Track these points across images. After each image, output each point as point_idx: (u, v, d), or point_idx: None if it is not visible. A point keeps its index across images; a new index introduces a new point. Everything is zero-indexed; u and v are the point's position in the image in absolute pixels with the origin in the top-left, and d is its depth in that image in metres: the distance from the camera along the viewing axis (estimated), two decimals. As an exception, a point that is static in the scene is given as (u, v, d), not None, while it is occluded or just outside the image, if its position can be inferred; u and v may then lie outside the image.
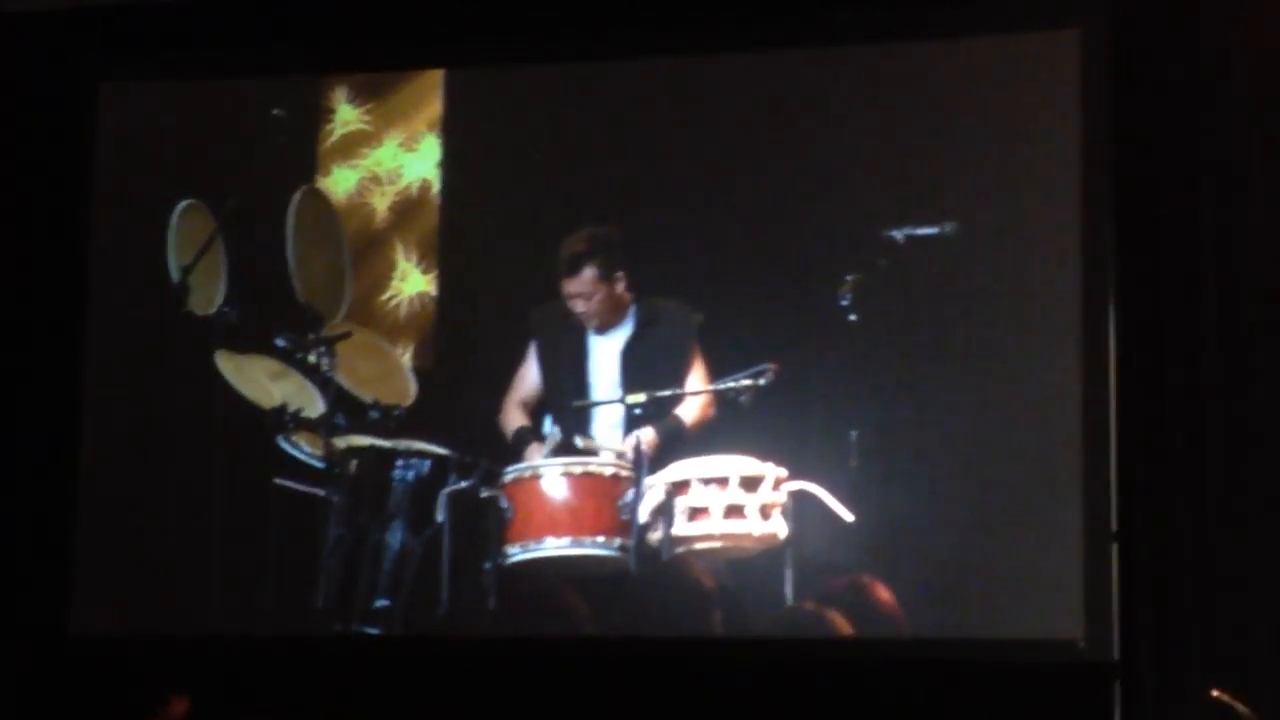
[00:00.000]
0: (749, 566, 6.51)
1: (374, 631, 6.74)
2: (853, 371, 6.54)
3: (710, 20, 6.80)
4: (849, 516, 6.43)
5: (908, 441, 6.46)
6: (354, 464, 6.79)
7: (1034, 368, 6.42)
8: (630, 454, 6.55)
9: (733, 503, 6.49)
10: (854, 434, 6.48)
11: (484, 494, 6.65)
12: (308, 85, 7.11)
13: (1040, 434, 6.37)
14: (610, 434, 6.67)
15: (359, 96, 7.07)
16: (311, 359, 6.90)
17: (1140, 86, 6.44)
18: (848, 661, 6.50)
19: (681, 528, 6.51)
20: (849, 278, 6.54)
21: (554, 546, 6.57)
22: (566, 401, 6.72)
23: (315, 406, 6.88)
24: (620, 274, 6.68)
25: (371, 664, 6.75)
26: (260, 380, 6.94)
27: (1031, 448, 6.37)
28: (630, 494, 6.53)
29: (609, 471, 6.57)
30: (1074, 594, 6.26)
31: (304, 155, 7.07)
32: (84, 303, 7.11)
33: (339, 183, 7.05)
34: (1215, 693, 5.70)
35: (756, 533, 6.48)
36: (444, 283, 6.93)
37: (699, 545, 6.52)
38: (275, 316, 6.96)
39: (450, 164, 6.97)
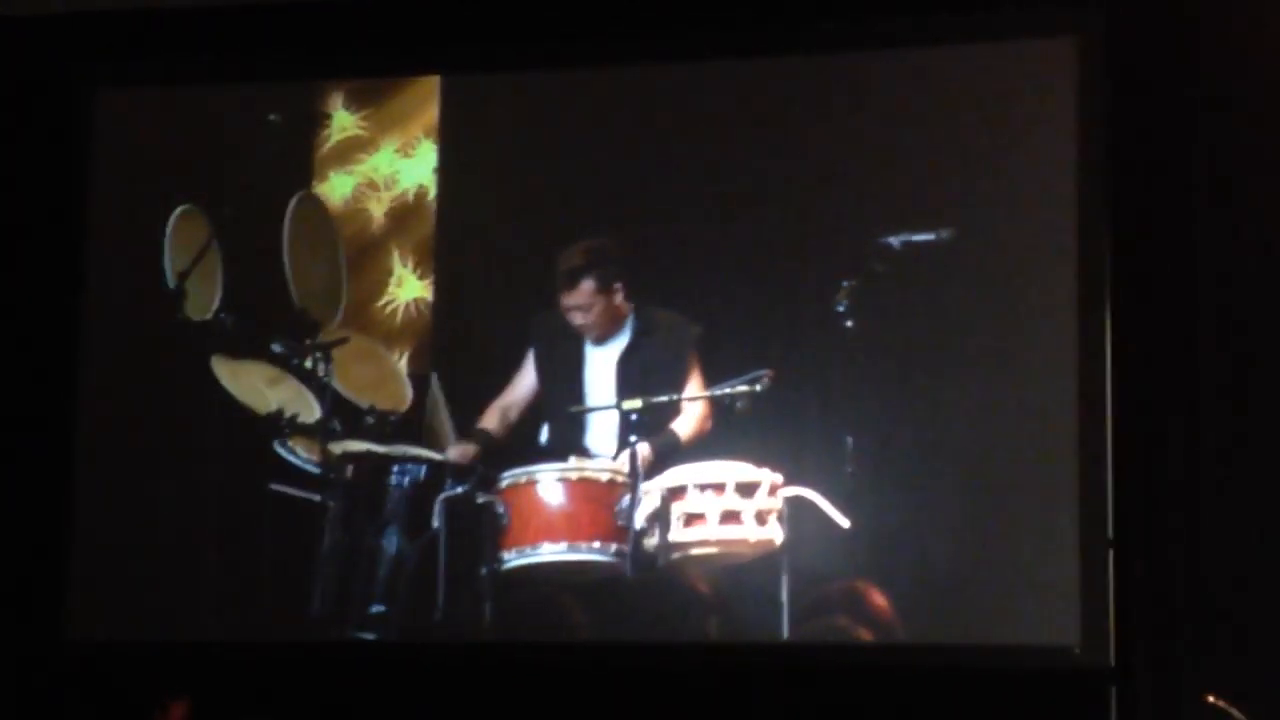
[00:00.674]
0: (745, 572, 6.50)
1: (369, 637, 6.73)
2: (849, 378, 6.53)
3: (707, 28, 6.80)
4: (845, 522, 6.44)
5: (904, 447, 6.46)
6: (350, 469, 6.79)
7: (1030, 374, 6.42)
8: (625, 467, 6.55)
9: (729, 508, 6.49)
10: (850, 440, 6.49)
11: (480, 499, 6.65)
12: (304, 91, 7.10)
13: (1036, 440, 6.37)
14: (606, 441, 6.67)
15: (355, 102, 7.07)
16: (308, 364, 6.89)
17: (1136, 94, 6.44)
18: (843, 668, 6.49)
19: (678, 533, 6.51)
20: (845, 284, 6.54)
21: (550, 552, 6.57)
22: (563, 408, 6.72)
23: (311, 412, 6.87)
24: (618, 285, 6.69)
25: (367, 670, 6.74)
26: (256, 386, 6.94)
27: (1028, 454, 6.37)
28: (626, 500, 6.53)
29: (605, 477, 6.58)
30: (1070, 600, 6.25)
31: (300, 161, 7.06)
32: (80, 308, 7.10)
33: (335, 188, 7.05)
34: (1211, 699, 5.70)
35: (753, 538, 6.48)
36: (440, 288, 6.93)
37: (695, 551, 6.52)
38: (271, 322, 6.95)
39: (447, 170, 6.97)
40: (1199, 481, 6.22)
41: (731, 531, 6.48)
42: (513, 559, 6.59)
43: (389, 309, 6.97)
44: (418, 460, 6.75)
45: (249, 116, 7.06)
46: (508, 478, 6.64)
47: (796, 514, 6.46)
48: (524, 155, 6.91)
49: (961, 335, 6.49)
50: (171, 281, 7.02)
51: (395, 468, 6.75)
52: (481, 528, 6.63)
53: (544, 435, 6.74)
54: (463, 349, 6.90)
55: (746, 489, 6.49)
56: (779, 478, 6.49)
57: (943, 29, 6.64)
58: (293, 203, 7.01)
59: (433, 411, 6.79)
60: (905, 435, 6.47)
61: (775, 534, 6.48)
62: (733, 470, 6.50)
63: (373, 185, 7.03)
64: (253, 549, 6.83)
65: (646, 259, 6.71)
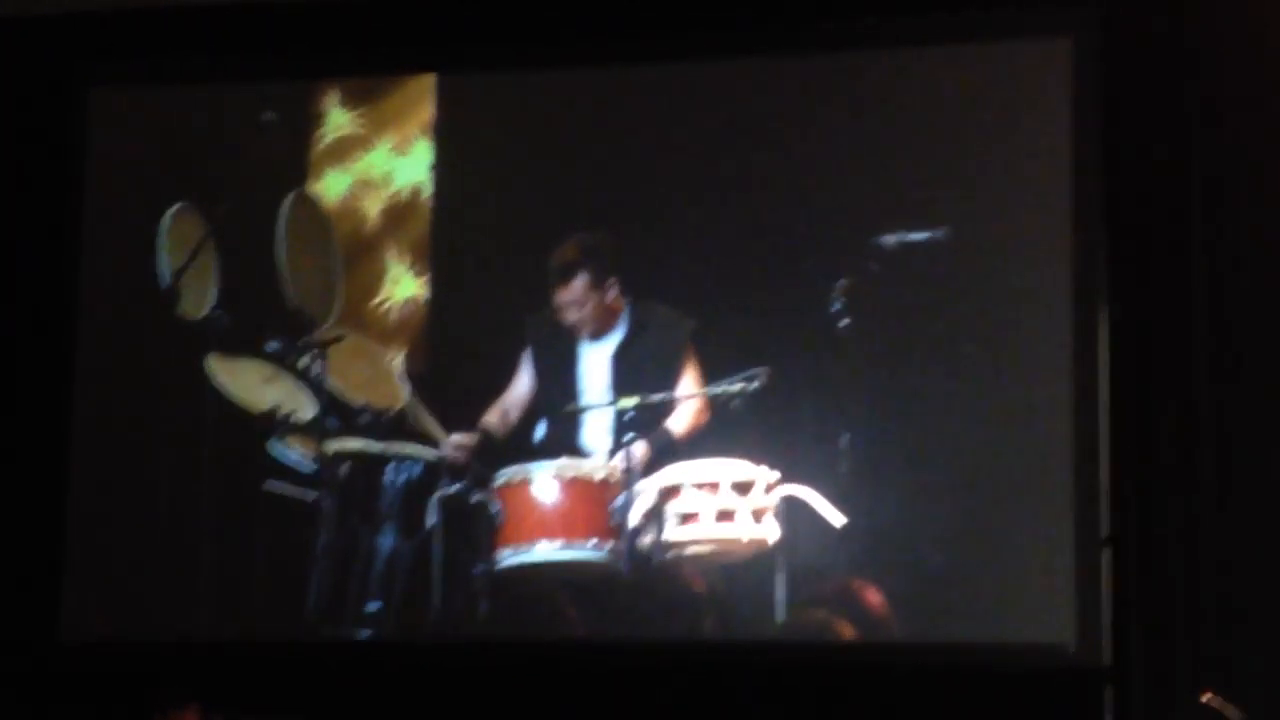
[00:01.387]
0: (740, 571, 6.51)
1: (365, 635, 6.73)
2: (844, 376, 6.54)
3: (702, 27, 6.80)
4: (840, 521, 6.44)
5: (899, 446, 6.47)
6: (345, 468, 6.79)
7: (1025, 373, 6.42)
8: (620, 465, 6.55)
9: (724, 507, 6.49)
10: (845, 438, 6.49)
11: (475, 498, 6.65)
12: (300, 90, 7.10)
13: (1032, 439, 6.37)
14: (601, 439, 6.67)
15: (351, 101, 7.07)
16: (303, 363, 6.89)
17: (1131, 94, 6.45)
18: (838, 666, 6.50)
19: (673, 532, 6.51)
20: (840, 283, 6.55)
21: (545, 550, 6.57)
22: (558, 406, 6.72)
23: (306, 410, 6.88)
24: (612, 281, 6.69)
25: (362, 668, 6.74)
26: (251, 384, 6.93)
27: (1023, 453, 6.38)
28: (621, 498, 6.53)
29: (600, 475, 6.58)
30: (1065, 598, 6.26)
31: (296, 160, 7.06)
32: (75, 306, 7.10)
33: (331, 187, 7.05)
34: (1206, 697, 5.70)
35: (747, 537, 6.48)
36: (435, 287, 6.93)
37: (690, 550, 6.52)
38: (267, 321, 6.95)
39: (442, 168, 6.97)
40: (1194, 480, 6.23)
41: (726, 530, 6.49)
42: (508, 557, 6.59)
43: (384, 307, 6.97)
44: (413, 458, 6.75)
45: (244, 115, 7.05)
46: (503, 476, 6.64)
47: (791, 512, 6.46)
48: (520, 154, 6.91)
49: (957, 334, 6.49)
50: (166, 280, 7.01)
51: (390, 466, 6.75)
52: (477, 526, 6.63)
53: (539, 433, 6.74)
54: (458, 347, 6.90)
55: (741, 487, 6.49)
56: (774, 476, 6.49)
57: (939, 29, 6.65)
58: (288, 201, 7.01)
59: (415, 417, 6.78)
60: (900, 434, 6.47)
61: (770, 532, 6.48)
62: (728, 469, 6.51)
63: (368, 184, 7.03)
64: (248, 547, 6.83)
65: (642, 258, 6.71)
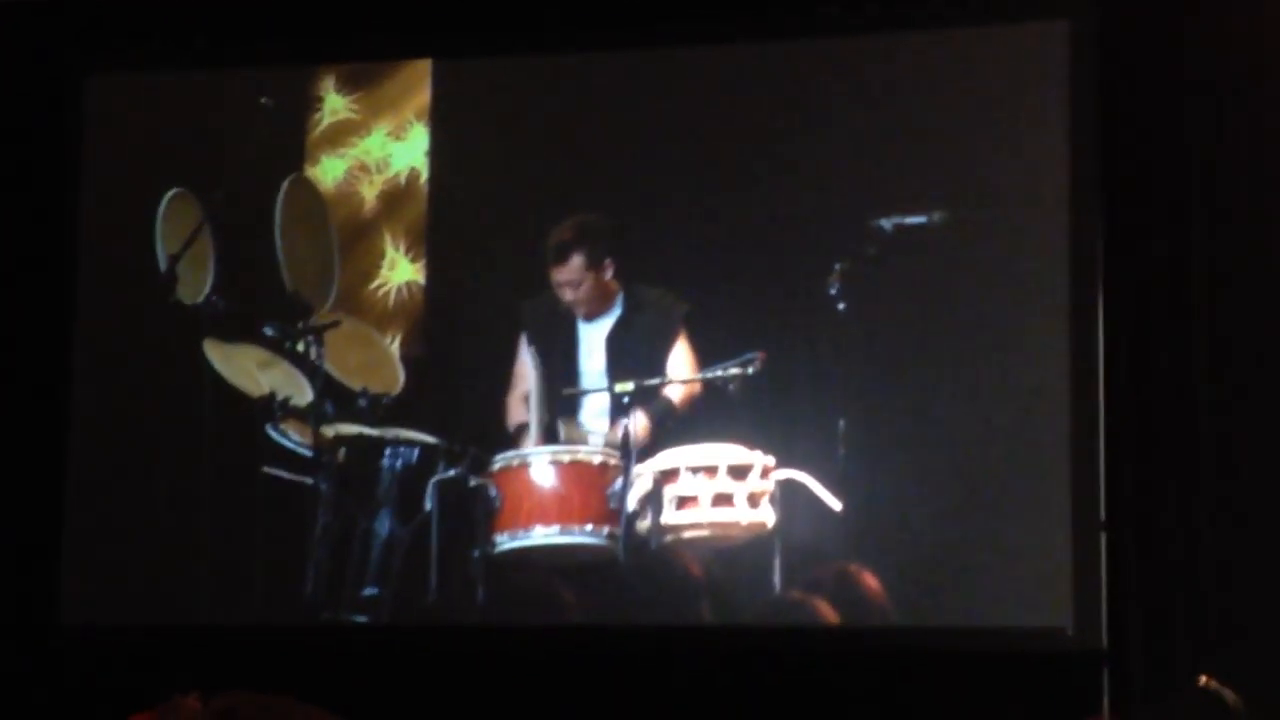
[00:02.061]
0: (737, 555, 6.50)
1: (361, 620, 6.72)
2: (841, 360, 6.52)
3: (698, 12, 6.79)
4: (837, 505, 6.43)
5: (896, 430, 6.45)
6: (342, 452, 6.78)
7: (1022, 356, 6.41)
8: (619, 440, 6.55)
9: (721, 491, 6.48)
10: (842, 422, 6.47)
11: (472, 482, 6.64)
12: (296, 74, 7.08)
13: (1029, 422, 6.36)
14: (598, 420, 6.67)
15: (347, 85, 7.06)
16: (300, 347, 6.88)
17: (1129, 78, 6.43)
18: (836, 650, 6.50)
19: (670, 516, 6.51)
20: (837, 266, 6.53)
21: (542, 535, 6.57)
22: (556, 389, 6.72)
23: (303, 395, 6.86)
24: (609, 261, 6.68)
25: (359, 652, 6.74)
26: (248, 369, 6.92)
27: (1020, 436, 6.37)
28: (619, 482, 6.53)
29: (597, 460, 6.57)
30: (1063, 582, 6.24)
31: (292, 144, 7.04)
32: (72, 291, 7.08)
33: (327, 171, 7.04)
34: (1204, 680, 5.68)
35: (745, 521, 6.47)
36: (433, 271, 6.92)
37: (687, 534, 6.52)
38: (263, 305, 6.94)
39: (439, 153, 6.96)
40: (1193, 463, 6.22)
41: (724, 514, 6.48)
42: (505, 542, 6.59)
43: (381, 292, 6.96)
44: (410, 443, 6.74)
45: (240, 100, 7.04)
46: (500, 460, 6.63)
47: (789, 496, 6.45)
48: (516, 138, 6.90)
49: (954, 318, 6.48)
50: (163, 265, 7.01)
51: (387, 450, 6.74)
52: (474, 510, 6.62)
53: (535, 413, 6.73)
54: (456, 331, 6.89)
55: (738, 471, 6.48)
56: (771, 460, 6.48)
57: (935, 12, 6.63)
58: (284, 186, 6.99)
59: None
60: (897, 417, 6.46)
61: (767, 516, 6.47)
62: (725, 453, 6.50)
63: (365, 168, 7.02)
64: (245, 532, 6.82)
65: (639, 241, 6.70)
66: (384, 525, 6.71)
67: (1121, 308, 6.35)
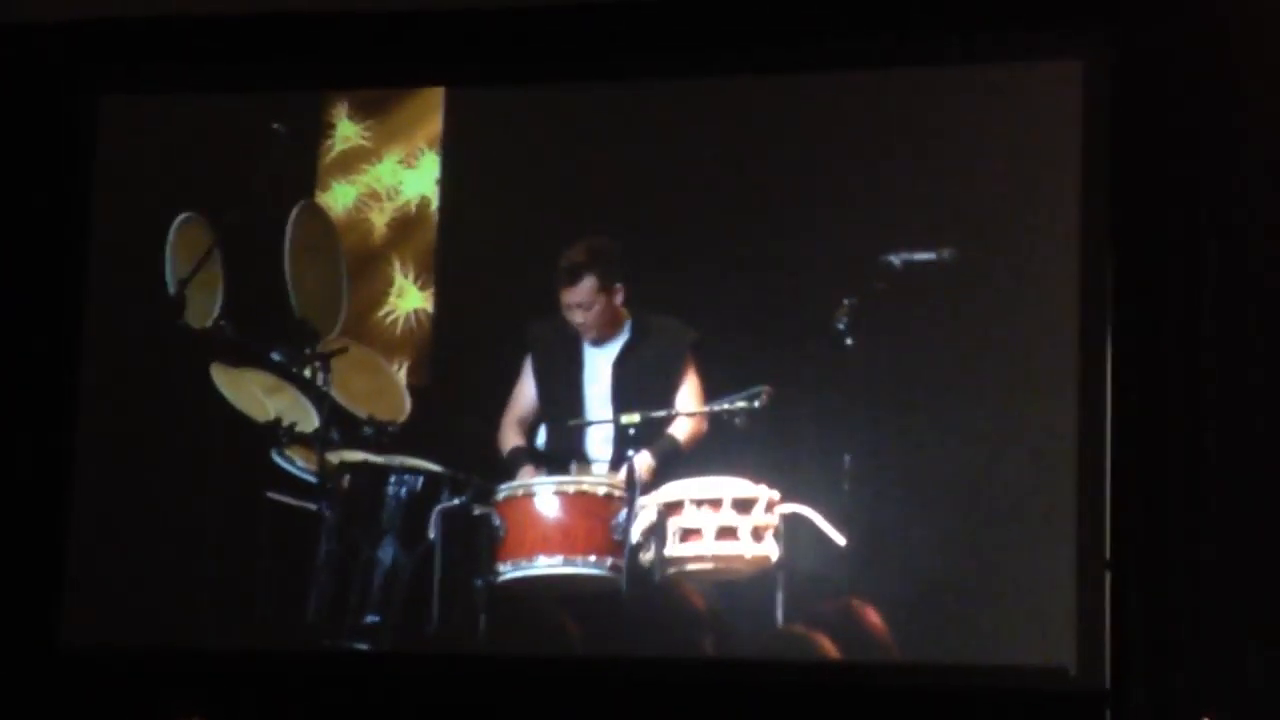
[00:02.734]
0: (741, 588, 6.49)
1: (363, 647, 6.71)
2: (847, 395, 6.53)
3: (711, 44, 6.81)
4: (841, 540, 6.43)
5: (901, 466, 6.45)
6: (347, 479, 6.78)
7: (1029, 395, 6.41)
8: (623, 480, 6.55)
9: (725, 524, 6.47)
10: (848, 458, 6.48)
11: (477, 511, 6.64)
12: (308, 100, 7.11)
13: (1035, 460, 6.36)
14: (602, 448, 6.67)
15: (359, 112, 7.08)
16: (307, 374, 6.89)
17: (1140, 118, 6.44)
18: (838, 685, 6.48)
19: (674, 548, 6.50)
20: (845, 302, 6.54)
21: (546, 565, 6.56)
22: (561, 415, 6.72)
23: (309, 421, 6.87)
24: (619, 286, 6.69)
25: (360, 680, 6.73)
26: (255, 394, 6.93)
27: (1026, 474, 6.36)
28: (623, 514, 6.52)
29: (602, 491, 6.57)
30: (1066, 621, 6.24)
31: (303, 170, 7.07)
32: (81, 313, 7.10)
33: (338, 198, 7.06)
34: (1206, 721, 5.69)
35: (749, 555, 6.47)
36: (441, 300, 6.93)
37: (691, 566, 6.51)
38: (271, 331, 6.95)
39: (449, 181, 6.98)
40: (1197, 504, 6.21)
41: (727, 547, 6.47)
42: (508, 571, 6.58)
43: (389, 319, 6.97)
44: (415, 471, 6.74)
45: (253, 125, 7.06)
46: (504, 490, 6.63)
47: (793, 531, 6.45)
48: (526, 167, 6.91)
49: (961, 355, 6.48)
50: (172, 289, 7.02)
51: (392, 478, 6.74)
52: (478, 539, 6.62)
53: (541, 438, 6.75)
54: (463, 360, 6.90)
55: (743, 505, 6.48)
56: (776, 494, 6.48)
57: (949, 50, 6.65)
58: (295, 212, 7.02)
59: None
60: (903, 454, 6.46)
61: (771, 550, 6.46)
62: (730, 486, 6.49)
63: (375, 195, 7.04)
64: (248, 557, 6.82)
65: (648, 273, 6.70)
66: (387, 553, 6.70)
67: (1130, 346, 6.36)
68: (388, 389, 6.91)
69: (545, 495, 6.60)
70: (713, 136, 6.76)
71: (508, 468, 6.72)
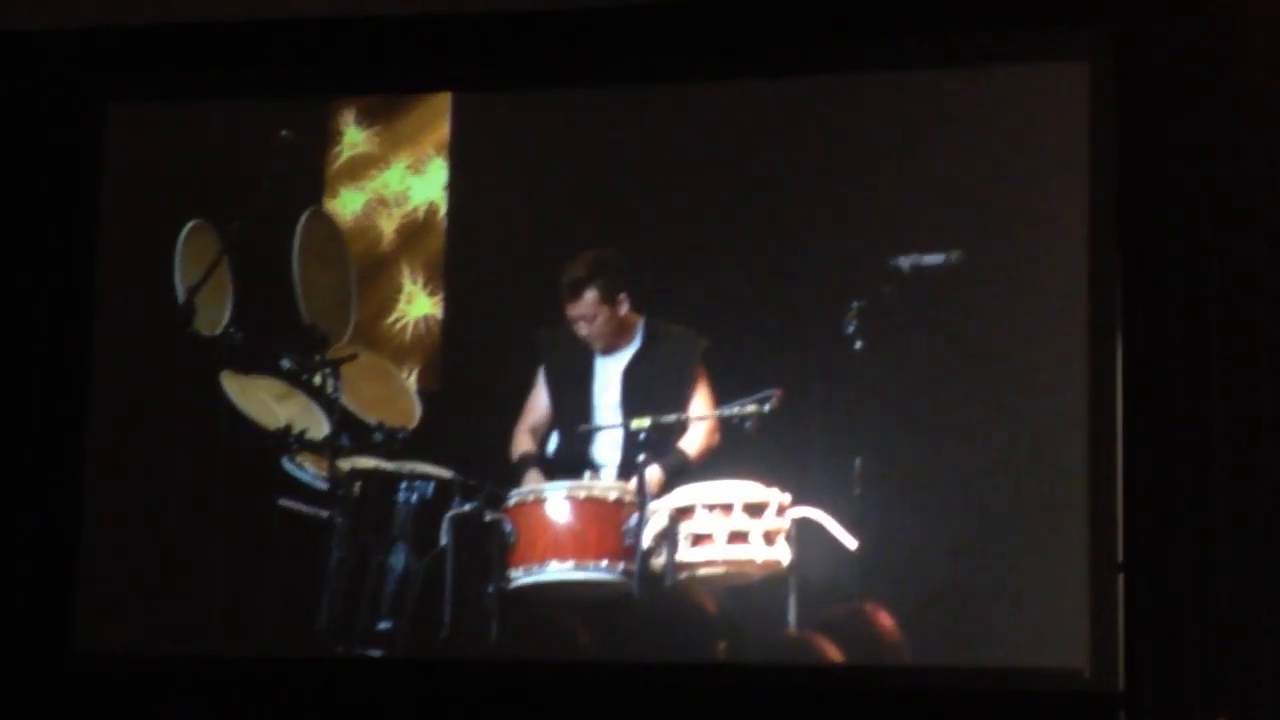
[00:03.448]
0: (752, 592, 6.49)
1: (376, 654, 6.70)
2: (857, 399, 6.53)
3: (718, 48, 6.81)
4: (853, 544, 6.42)
5: (912, 469, 6.45)
6: (358, 486, 6.77)
7: (1040, 397, 6.41)
8: (634, 487, 6.55)
9: (737, 529, 6.47)
10: (858, 461, 6.48)
11: (488, 517, 6.63)
12: (316, 107, 7.11)
13: (1046, 463, 6.36)
14: (612, 453, 6.67)
15: (367, 119, 7.08)
16: (316, 381, 6.88)
17: (1147, 119, 6.44)
18: (850, 689, 6.48)
19: (685, 553, 6.50)
20: (854, 305, 6.54)
21: (557, 570, 6.56)
22: (572, 423, 6.72)
23: (320, 428, 6.86)
24: (623, 296, 6.69)
25: (372, 686, 6.73)
26: (265, 401, 6.93)
27: (1037, 477, 6.37)
28: (634, 519, 6.52)
29: (613, 496, 6.57)
30: (1079, 623, 6.24)
31: (311, 177, 7.06)
32: (90, 322, 7.10)
33: (346, 205, 7.06)
34: (1221, 723, 5.69)
35: (760, 559, 6.47)
36: (450, 305, 6.93)
37: (702, 571, 6.50)
38: (281, 338, 6.94)
39: (457, 187, 6.98)
40: (1210, 505, 6.21)
41: (739, 552, 6.47)
42: (520, 577, 6.58)
43: (398, 325, 6.97)
44: (426, 477, 6.73)
45: (260, 132, 7.05)
46: (515, 496, 6.63)
47: (804, 535, 6.45)
48: (535, 173, 6.91)
49: (971, 358, 6.48)
50: (181, 296, 7.01)
51: (403, 484, 6.73)
52: (489, 545, 6.62)
53: (552, 445, 6.75)
54: (473, 366, 6.90)
55: (754, 509, 6.48)
56: (787, 498, 6.48)
57: (956, 52, 6.65)
58: (303, 218, 7.01)
59: None
60: (913, 457, 6.46)
61: (783, 554, 6.46)
62: (740, 490, 6.49)
63: (383, 202, 7.04)
64: (260, 564, 6.81)
65: (657, 277, 6.71)
66: (399, 559, 6.69)
67: (1139, 349, 6.35)
68: (398, 395, 6.91)
69: (556, 500, 6.60)
70: (720, 141, 6.76)
71: (516, 474, 6.72)
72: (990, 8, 6.64)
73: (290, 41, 7.07)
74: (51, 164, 7.16)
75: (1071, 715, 6.25)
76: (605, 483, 6.62)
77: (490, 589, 6.60)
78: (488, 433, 6.79)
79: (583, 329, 6.71)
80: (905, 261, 6.53)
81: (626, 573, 6.52)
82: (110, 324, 7.11)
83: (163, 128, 7.19)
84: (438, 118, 7.04)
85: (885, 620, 6.41)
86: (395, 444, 6.82)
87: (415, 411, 6.88)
